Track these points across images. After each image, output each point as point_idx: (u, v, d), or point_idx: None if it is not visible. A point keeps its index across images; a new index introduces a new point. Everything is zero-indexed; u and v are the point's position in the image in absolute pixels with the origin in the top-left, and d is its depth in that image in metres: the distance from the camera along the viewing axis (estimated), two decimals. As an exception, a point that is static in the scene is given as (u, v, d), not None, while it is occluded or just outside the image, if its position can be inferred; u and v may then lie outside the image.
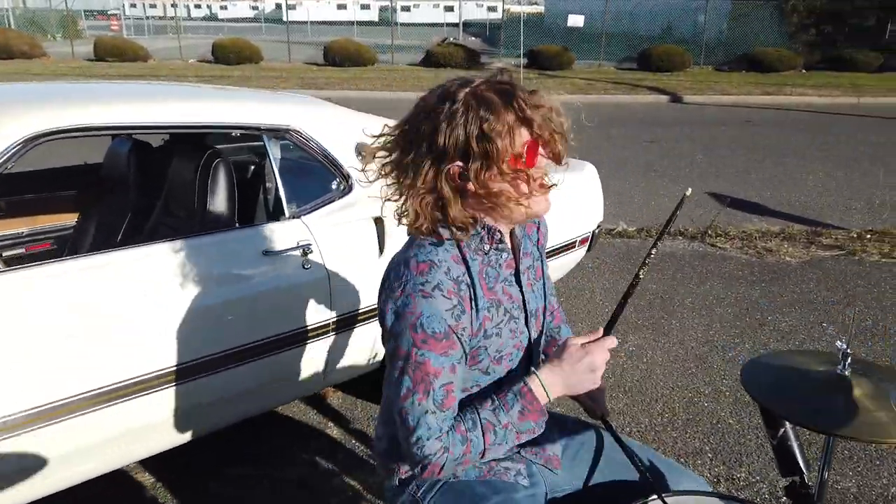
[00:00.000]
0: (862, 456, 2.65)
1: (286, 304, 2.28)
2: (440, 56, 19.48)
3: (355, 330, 2.47)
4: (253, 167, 2.81)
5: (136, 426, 2.02)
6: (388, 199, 1.30)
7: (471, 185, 1.20)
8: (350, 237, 2.41)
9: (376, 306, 2.52)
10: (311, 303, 2.33)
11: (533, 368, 1.28)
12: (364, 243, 2.44)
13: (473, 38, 27.68)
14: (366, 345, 2.55)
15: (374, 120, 2.79)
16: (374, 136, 1.31)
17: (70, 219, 3.21)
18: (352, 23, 38.51)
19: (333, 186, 2.45)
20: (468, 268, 1.25)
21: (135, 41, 21.58)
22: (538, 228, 1.48)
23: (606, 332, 1.30)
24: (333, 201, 2.42)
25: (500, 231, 1.29)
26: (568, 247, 3.25)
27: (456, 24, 28.16)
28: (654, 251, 1.35)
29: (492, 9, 43.79)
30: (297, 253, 2.27)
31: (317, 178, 2.44)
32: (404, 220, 1.28)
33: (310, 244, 2.30)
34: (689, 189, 1.35)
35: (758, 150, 9.04)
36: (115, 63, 18.60)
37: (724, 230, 5.52)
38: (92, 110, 2.02)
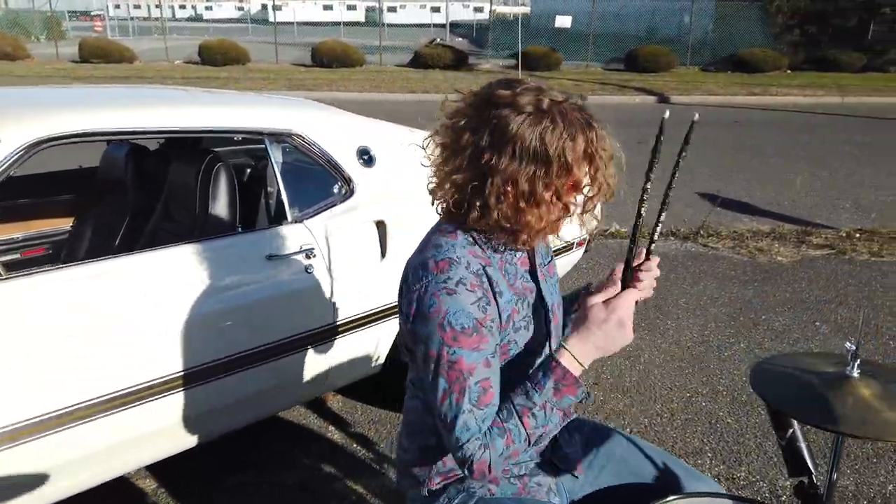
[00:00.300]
0: (859, 454, 2.68)
1: (289, 308, 2.28)
2: (428, 57, 19.48)
3: (358, 333, 2.47)
4: (254, 171, 2.81)
5: (140, 433, 2.01)
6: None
7: (520, 187, 1.18)
8: (352, 241, 2.41)
9: (379, 309, 2.53)
10: (314, 307, 2.33)
11: (560, 342, 1.24)
12: (366, 247, 2.44)
13: (460, 39, 27.71)
14: (368, 348, 2.55)
15: (375, 124, 2.79)
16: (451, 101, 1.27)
17: (65, 223, 3.18)
18: (338, 23, 38.38)
19: (335, 190, 2.45)
20: (486, 262, 1.24)
21: (120, 42, 21.40)
22: None
23: (623, 285, 1.28)
24: (335, 205, 2.42)
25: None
26: (566, 249, 3.27)
27: (443, 25, 28.15)
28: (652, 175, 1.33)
29: (478, 9, 43.89)
30: (301, 257, 2.27)
31: (319, 183, 2.43)
32: (439, 197, 1.27)
33: (312, 248, 2.30)
34: (668, 112, 1.32)
35: (745, 151, 9.12)
36: (100, 64, 18.44)
37: (716, 230, 5.57)
38: (95, 115, 2.01)
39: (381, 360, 2.67)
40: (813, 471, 1.48)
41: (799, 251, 5.16)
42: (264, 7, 45.85)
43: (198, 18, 57.19)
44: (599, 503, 1.49)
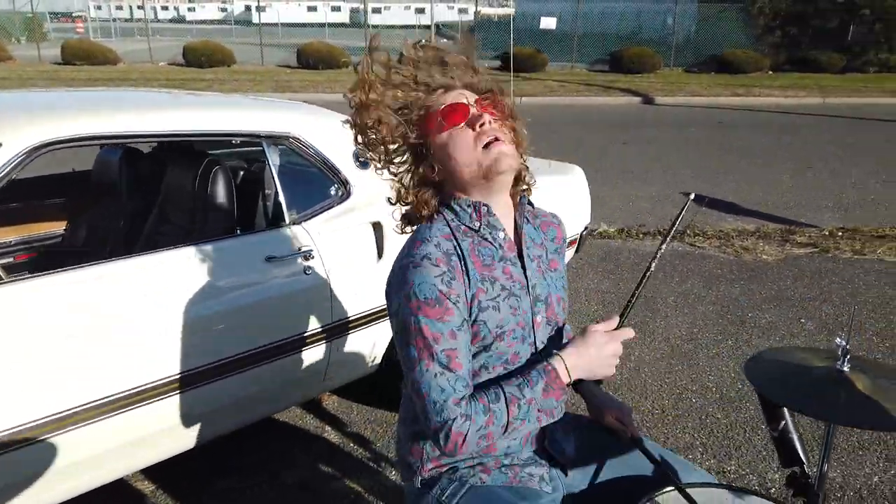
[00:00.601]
0: (846, 447, 2.75)
1: (289, 309, 2.30)
2: (414, 58, 19.46)
3: (355, 333, 2.50)
4: (251, 174, 2.83)
5: (139, 436, 2.03)
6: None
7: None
8: (350, 242, 2.44)
9: (376, 310, 2.56)
10: (313, 308, 2.35)
11: (555, 351, 1.32)
12: (363, 248, 2.47)
13: (446, 41, 27.76)
14: (365, 348, 2.58)
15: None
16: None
17: (59, 227, 3.18)
18: (323, 25, 38.34)
19: (332, 192, 2.48)
20: (458, 243, 1.32)
21: (102, 44, 21.22)
22: (556, 227, 1.54)
23: (620, 324, 1.35)
24: (333, 207, 2.45)
25: (486, 205, 1.34)
26: (558, 248, 3.31)
27: (428, 27, 28.21)
28: (663, 247, 1.40)
29: (463, 11, 43.91)
30: (299, 258, 2.30)
31: (316, 185, 2.46)
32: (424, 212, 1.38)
33: (311, 250, 2.32)
34: (693, 194, 1.41)
35: (730, 151, 9.24)
36: (83, 66, 18.28)
37: (702, 230, 5.65)
38: (96, 119, 2.02)
39: (378, 361, 2.69)
40: (805, 461, 1.53)
41: (783, 250, 5.25)
42: (248, 8, 45.70)
43: (180, 20, 56.81)
44: (597, 497, 1.53)
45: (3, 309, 1.76)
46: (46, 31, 27.49)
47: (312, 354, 2.39)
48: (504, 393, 1.26)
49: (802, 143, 9.92)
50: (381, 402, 2.96)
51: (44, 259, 3.08)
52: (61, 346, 1.82)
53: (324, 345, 2.41)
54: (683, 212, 1.37)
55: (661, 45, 20.40)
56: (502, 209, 1.38)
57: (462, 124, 1.31)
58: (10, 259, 3.05)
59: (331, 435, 2.84)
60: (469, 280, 1.30)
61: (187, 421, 2.11)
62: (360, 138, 1.36)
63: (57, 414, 1.79)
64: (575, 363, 1.30)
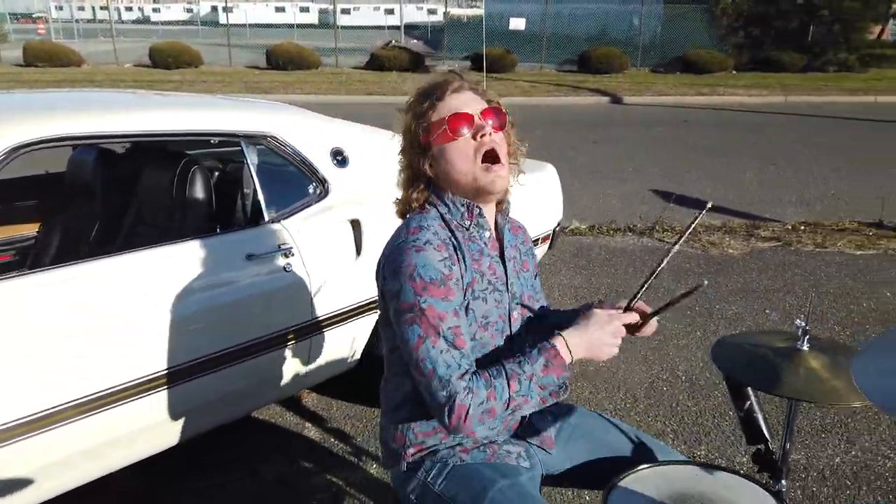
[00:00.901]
0: (809, 430, 2.87)
1: (269, 306, 2.33)
2: (385, 59, 19.51)
3: (335, 330, 2.54)
4: (230, 173, 2.84)
5: (116, 435, 2.03)
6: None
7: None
8: (329, 240, 2.48)
9: (356, 306, 2.60)
10: (293, 304, 2.39)
11: (557, 331, 1.38)
12: (342, 245, 2.51)
13: (416, 41, 27.80)
14: (345, 344, 2.62)
15: (346, 125, 2.86)
16: None
17: (31, 229, 3.16)
18: (291, 25, 38.09)
19: (311, 191, 2.51)
20: (453, 233, 1.40)
21: (66, 45, 20.81)
22: (524, 231, 1.65)
23: (626, 309, 1.45)
24: (311, 205, 2.49)
25: (478, 207, 1.44)
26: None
27: (397, 27, 28.24)
28: (676, 246, 1.54)
29: (432, 11, 44.00)
30: (279, 256, 2.33)
31: (294, 183, 2.49)
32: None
33: (290, 247, 2.36)
34: (710, 203, 1.60)
35: (696, 149, 9.44)
36: (46, 68, 17.91)
37: (671, 225, 5.78)
38: (75, 119, 2.03)
39: (358, 357, 2.73)
40: (769, 438, 1.62)
41: (748, 244, 5.40)
42: (214, 9, 45.16)
43: (145, 20, 55.94)
44: (576, 477, 1.60)
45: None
46: (6, 32, 26.86)
47: (293, 351, 2.42)
48: (505, 369, 1.31)
49: (766, 142, 10.18)
50: (360, 398, 3.00)
51: (18, 261, 3.06)
52: (38, 347, 1.82)
53: (304, 341, 2.44)
54: (699, 217, 1.50)
55: (627, 46, 20.70)
56: (487, 211, 1.48)
57: (465, 134, 1.38)
58: (-18, 262, 3.02)
59: (311, 431, 2.87)
60: (466, 268, 1.38)
61: (166, 419, 2.12)
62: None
63: (33, 415, 1.79)
64: (576, 342, 1.36)
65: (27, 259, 3.05)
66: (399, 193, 1.50)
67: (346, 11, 45.11)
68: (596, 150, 9.30)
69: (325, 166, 2.54)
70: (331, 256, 2.48)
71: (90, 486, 2.12)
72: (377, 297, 1.45)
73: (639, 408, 3.06)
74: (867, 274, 4.74)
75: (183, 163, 2.50)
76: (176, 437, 2.22)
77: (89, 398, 1.89)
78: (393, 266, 1.34)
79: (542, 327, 1.56)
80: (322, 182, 2.53)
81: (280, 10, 51.83)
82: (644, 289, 1.49)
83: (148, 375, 2.01)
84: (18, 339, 1.80)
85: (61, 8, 44.77)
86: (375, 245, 2.49)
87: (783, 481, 1.57)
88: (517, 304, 1.50)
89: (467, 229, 1.44)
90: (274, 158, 2.50)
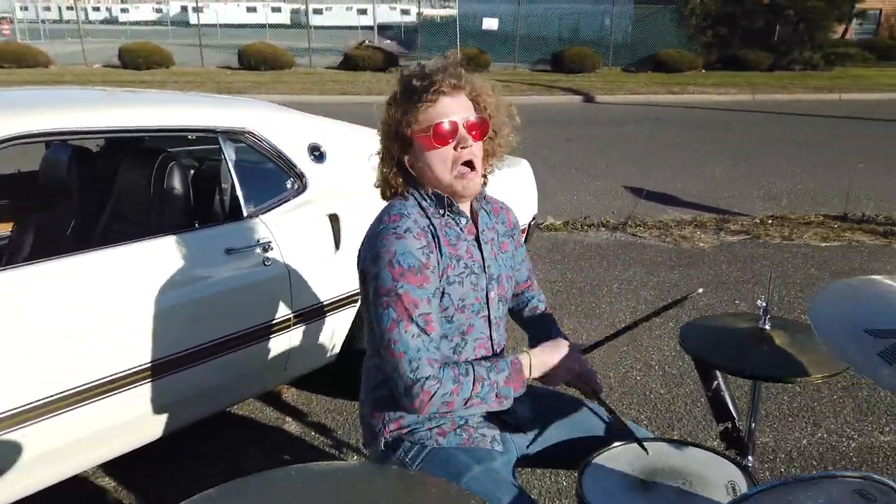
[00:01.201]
0: (777, 414, 2.96)
1: (248, 300, 2.35)
2: (358, 59, 19.48)
3: (315, 323, 2.57)
4: (208, 169, 2.85)
5: (95, 430, 2.03)
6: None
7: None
8: (307, 234, 2.51)
9: (335, 300, 2.63)
10: (273, 298, 2.41)
11: (526, 348, 1.49)
12: (321, 239, 2.54)
13: (389, 42, 27.77)
14: (325, 337, 2.65)
15: (323, 121, 2.89)
16: None
17: (4, 228, 3.13)
18: (263, 25, 37.77)
19: (289, 186, 2.54)
20: (431, 221, 1.47)
21: (33, 46, 20.42)
22: (507, 212, 1.69)
23: (586, 352, 1.57)
24: (289, 200, 2.51)
25: (447, 197, 1.49)
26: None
27: (370, 28, 28.18)
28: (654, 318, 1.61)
29: (405, 12, 43.97)
30: (258, 250, 2.35)
31: (272, 179, 2.52)
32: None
33: (269, 242, 2.38)
34: (701, 289, 1.74)
35: (667, 146, 9.61)
36: (13, 69, 17.55)
37: (643, 220, 5.90)
38: (54, 115, 2.04)
39: (337, 350, 2.76)
40: (736, 416, 1.69)
41: (718, 237, 5.53)
42: (184, 9, 44.61)
43: (113, 21, 54.99)
44: (551, 458, 1.65)
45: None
46: (-30, 32, 26.30)
47: (273, 344, 2.44)
48: (474, 371, 1.40)
49: (735, 139, 10.39)
50: (341, 392, 3.03)
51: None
52: (11, 344, 1.82)
53: (284, 335, 2.47)
54: (686, 299, 1.57)
55: (599, 46, 20.94)
56: (461, 200, 1.53)
57: (449, 143, 1.44)
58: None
59: (291, 425, 2.89)
60: (441, 255, 1.44)
61: (143, 415, 2.13)
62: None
63: (11, 410, 1.79)
64: (537, 363, 1.48)
65: (1, 258, 3.03)
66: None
67: (318, 11, 44.85)
68: (570, 147, 9.41)
69: (302, 161, 2.56)
70: (309, 250, 2.51)
71: (68, 478, 2.13)
72: (358, 279, 1.50)
73: (613, 396, 3.13)
74: (832, 264, 4.89)
75: (160, 158, 2.51)
76: (153, 434, 2.23)
77: (63, 395, 1.89)
78: (374, 251, 1.40)
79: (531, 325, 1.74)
80: (300, 177, 2.55)
81: (251, 10, 51.33)
82: (609, 340, 1.62)
83: (126, 371, 2.02)
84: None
85: (26, 8, 43.84)
86: (354, 239, 2.53)
87: (750, 457, 1.65)
88: (494, 284, 1.56)
89: (443, 216, 1.50)
90: (252, 154, 2.52)
